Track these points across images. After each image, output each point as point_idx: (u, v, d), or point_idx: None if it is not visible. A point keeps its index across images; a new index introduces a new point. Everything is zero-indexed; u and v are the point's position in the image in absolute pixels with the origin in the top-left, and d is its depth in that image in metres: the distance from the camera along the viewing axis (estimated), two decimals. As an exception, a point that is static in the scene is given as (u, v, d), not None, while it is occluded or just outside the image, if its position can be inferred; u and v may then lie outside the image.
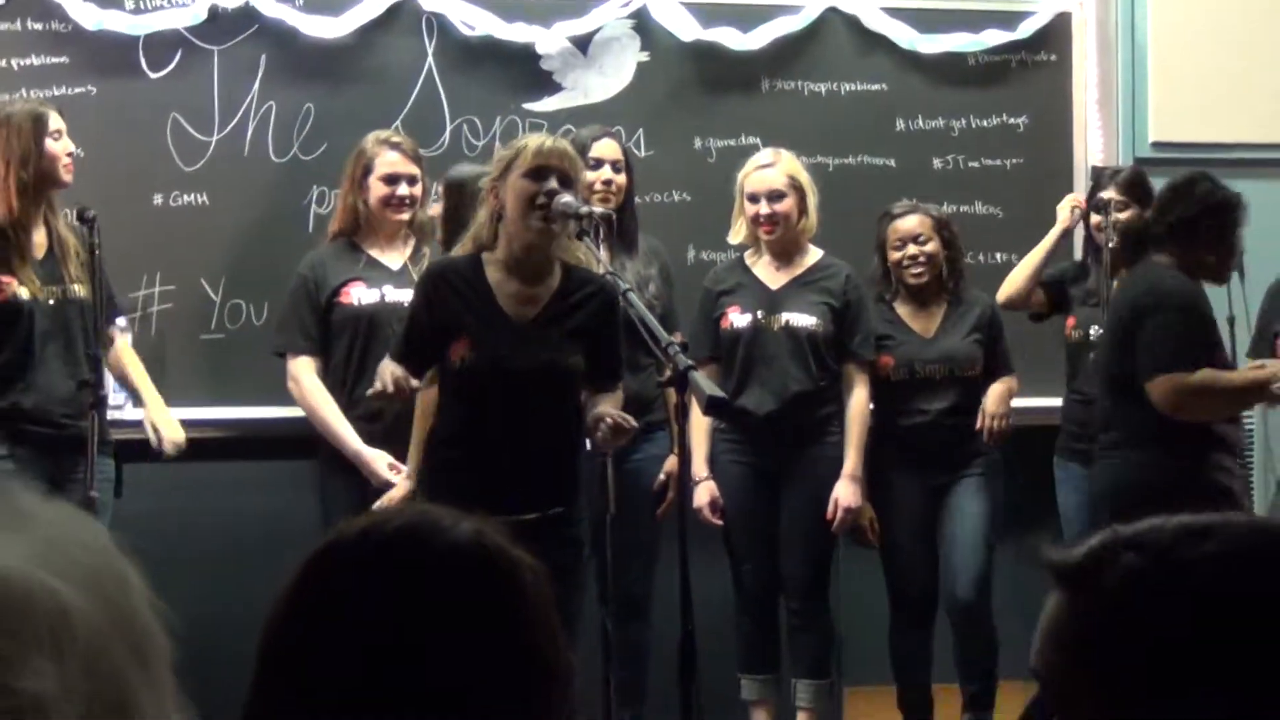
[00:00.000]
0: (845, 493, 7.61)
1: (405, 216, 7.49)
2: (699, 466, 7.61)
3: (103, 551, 0.85)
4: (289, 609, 2.00)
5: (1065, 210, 7.96)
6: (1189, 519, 1.87)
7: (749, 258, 7.87)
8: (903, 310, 7.91)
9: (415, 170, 7.49)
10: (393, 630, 1.92)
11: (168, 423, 7.22)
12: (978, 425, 7.79)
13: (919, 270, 7.83)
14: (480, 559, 1.99)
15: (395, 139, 7.54)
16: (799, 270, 7.78)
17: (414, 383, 6.11)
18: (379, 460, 7.17)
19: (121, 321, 7.50)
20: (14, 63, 7.93)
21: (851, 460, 7.64)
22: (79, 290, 7.04)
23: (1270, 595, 1.79)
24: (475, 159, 7.29)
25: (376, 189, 7.45)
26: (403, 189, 7.45)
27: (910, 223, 7.84)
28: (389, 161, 7.46)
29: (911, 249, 7.82)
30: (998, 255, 8.24)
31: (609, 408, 6.14)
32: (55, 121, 7.06)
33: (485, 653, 1.94)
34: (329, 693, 1.92)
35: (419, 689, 1.91)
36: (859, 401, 7.72)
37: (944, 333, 7.90)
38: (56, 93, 7.68)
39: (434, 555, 1.98)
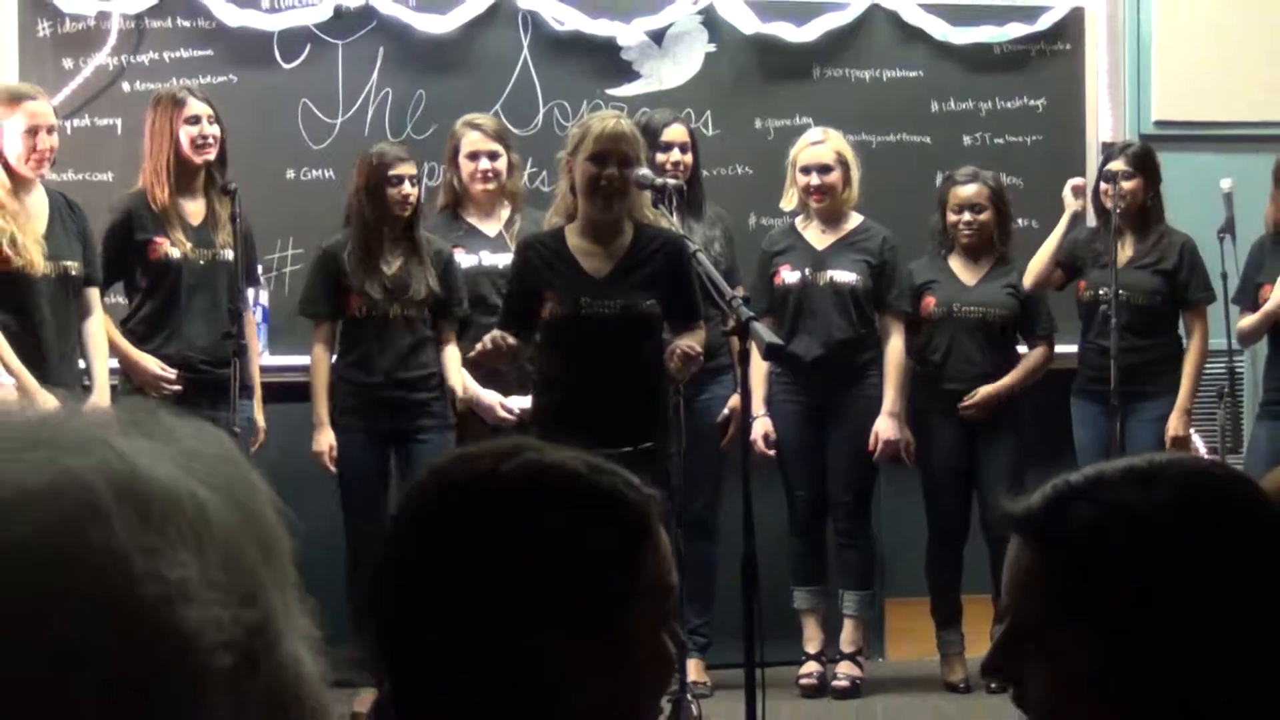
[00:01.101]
0: (885, 426, 7.66)
1: (490, 187, 7.48)
2: (756, 405, 7.56)
3: (235, 462, 0.85)
4: (413, 517, 1.98)
5: (1069, 197, 7.85)
6: (1133, 463, 1.86)
7: (799, 223, 7.89)
8: (954, 262, 7.95)
9: (496, 147, 7.51)
10: (526, 549, 1.88)
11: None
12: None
13: (971, 234, 7.84)
14: (600, 489, 1.93)
15: (477, 120, 7.57)
16: (842, 233, 7.82)
17: (510, 340, 6.10)
18: (493, 399, 7.17)
19: (260, 283, 7.53)
20: (165, 55, 7.94)
21: (890, 398, 7.70)
22: (227, 254, 7.05)
23: (1216, 534, 1.77)
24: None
25: (465, 166, 7.51)
26: (484, 164, 7.47)
27: (969, 190, 7.86)
28: (471, 141, 7.50)
29: (967, 215, 7.84)
30: (1020, 220, 8.15)
31: (684, 340, 6.19)
32: (192, 108, 7.06)
33: (607, 566, 1.91)
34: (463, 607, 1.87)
35: (538, 595, 1.87)
36: (895, 347, 7.76)
37: (984, 283, 7.89)
38: (202, 81, 7.67)
39: (557, 482, 1.93)
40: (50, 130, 6.91)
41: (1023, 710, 1.86)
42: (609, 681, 1.91)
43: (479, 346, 6.20)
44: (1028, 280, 7.81)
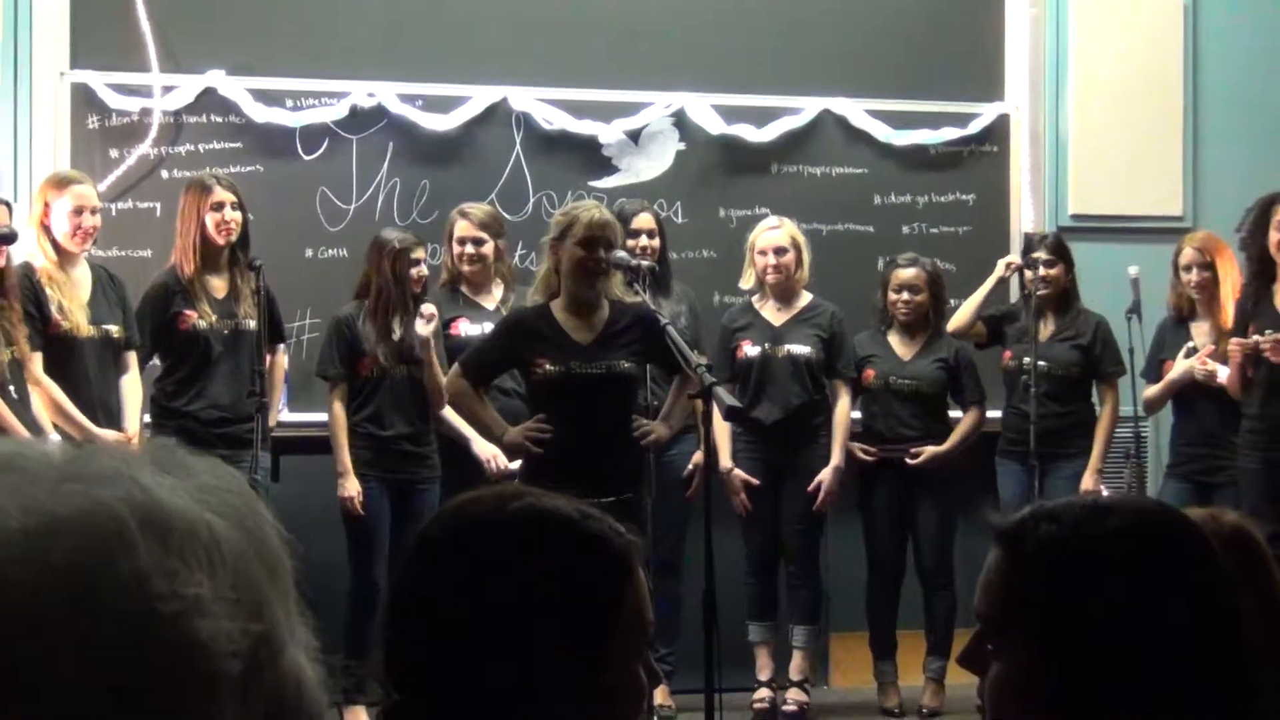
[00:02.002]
0: (828, 478, 7.68)
1: (474, 269, 7.53)
2: (725, 461, 7.67)
3: (243, 494, 0.87)
4: (428, 549, 2.01)
5: (1001, 266, 7.89)
6: (1096, 499, 1.95)
7: (756, 301, 7.92)
8: (892, 337, 7.97)
9: (480, 234, 7.52)
10: (519, 577, 1.93)
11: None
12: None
13: (908, 312, 7.87)
14: (591, 532, 1.98)
15: (467, 210, 7.60)
16: (796, 310, 7.86)
17: (546, 431, 6.27)
18: (494, 452, 7.10)
19: (280, 346, 7.51)
20: (200, 147, 7.93)
21: (835, 453, 7.73)
22: (250, 323, 7.05)
23: (1152, 563, 1.85)
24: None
25: (454, 249, 7.53)
26: (469, 249, 7.50)
27: (909, 273, 7.90)
28: (460, 228, 7.55)
29: (906, 295, 7.86)
30: (953, 301, 8.16)
31: (652, 429, 6.39)
32: (217, 195, 7.10)
33: (594, 598, 1.94)
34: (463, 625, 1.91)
35: (540, 620, 1.91)
36: (842, 409, 7.81)
37: (918, 358, 7.91)
38: (231, 171, 7.64)
39: (554, 525, 1.98)
40: (93, 211, 6.97)
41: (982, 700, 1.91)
42: (591, 704, 1.93)
43: (520, 436, 6.29)
44: (951, 325, 7.91)
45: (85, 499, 0.81)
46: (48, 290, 6.82)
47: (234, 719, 0.81)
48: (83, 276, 7.00)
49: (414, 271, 7.26)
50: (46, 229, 6.91)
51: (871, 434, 7.89)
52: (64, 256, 6.92)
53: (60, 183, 7.02)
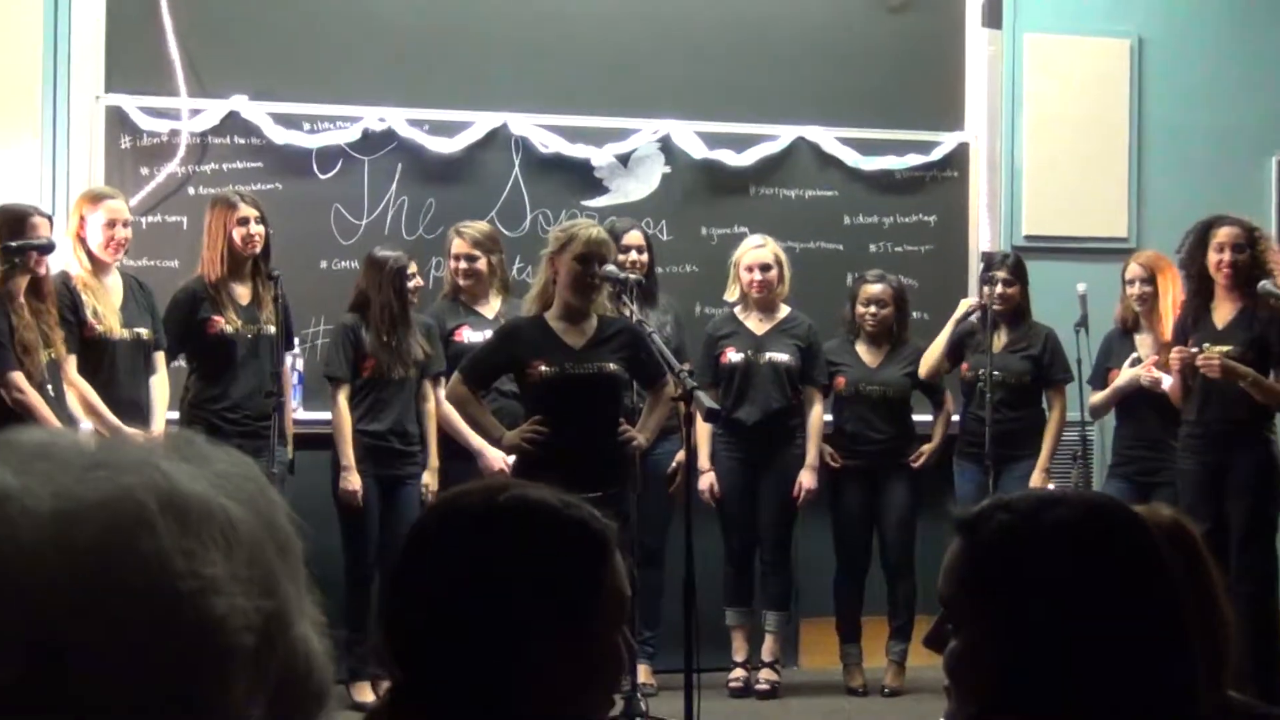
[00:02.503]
0: (807, 478, 7.73)
1: (467, 283, 7.57)
2: (703, 461, 7.70)
3: (256, 480, 0.87)
4: (424, 538, 2.03)
5: (962, 306, 7.87)
6: (1049, 491, 2.00)
7: (739, 312, 7.93)
8: (860, 347, 7.98)
9: (473, 251, 7.56)
10: (507, 561, 1.96)
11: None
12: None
13: (875, 324, 7.89)
14: (572, 519, 2.01)
15: (464, 228, 7.65)
16: (776, 321, 7.89)
17: (543, 430, 6.28)
18: (496, 455, 7.08)
19: (296, 349, 7.52)
20: (224, 166, 7.92)
21: (811, 454, 7.76)
22: (270, 329, 7.07)
23: (1097, 547, 1.87)
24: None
25: (450, 264, 7.58)
26: (462, 264, 7.55)
27: (876, 289, 7.92)
28: (456, 245, 7.59)
29: (873, 309, 7.89)
30: (915, 314, 8.17)
31: (636, 434, 6.45)
32: (242, 211, 7.13)
33: (577, 578, 1.97)
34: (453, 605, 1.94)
35: (529, 600, 1.93)
36: (816, 414, 7.83)
37: (885, 366, 7.93)
38: (253, 188, 7.64)
39: (545, 513, 2.00)
40: (125, 224, 7.00)
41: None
42: (578, 674, 1.96)
43: (518, 438, 6.29)
44: (922, 370, 7.90)
45: (111, 484, 0.81)
46: (83, 296, 6.84)
47: (247, 690, 0.80)
48: (115, 284, 7.02)
49: (411, 285, 7.33)
50: (82, 240, 6.94)
51: (843, 435, 7.90)
52: (98, 266, 6.95)
53: (95, 198, 7.04)
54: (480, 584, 1.93)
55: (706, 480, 7.73)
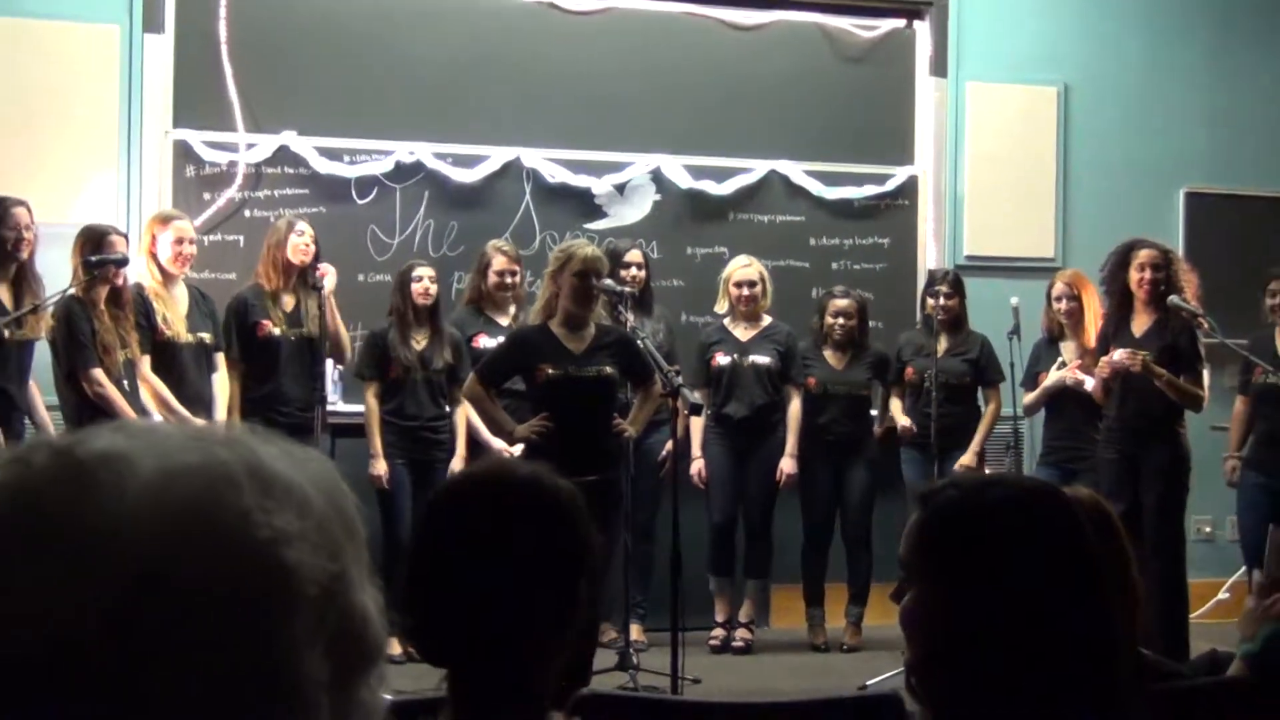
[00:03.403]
0: (788, 464, 7.78)
1: (508, 294, 7.52)
2: (695, 449, 7.78)
3: (330, 472, 0.89)
4: (443, 508, 2.07)
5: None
6: (991, 474, 2.05)
7: (727, 322, 7.95)
8: (826, 351, 7.97)
9: (514, 266, 7.52)
10: (506, 521, 2.01)
11: None
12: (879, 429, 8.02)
13: (842, 333, 7.91)
14: (547, 485, 2.05)
15: (505, 247, 7.58)
16: (759, 329, 7.91)
17: (549, 425, 6.22)
18: (502, 447, 6.95)
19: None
20: (275, 192, 7.93)
21: (791, 444, 7.80)
22: (313, 332, 7.06)
23: (1026, 521, 1.88)
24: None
25: (491, 277, 7.49)
26: (508, 279, 7.50)
27: (843, 303, 7.93)
28: (499, 261, 7.52)
29: (841, 320, 7.91)
30: (871, 322, 8.18)
31: (631, 421, 6.41)
32: (301, 226, 7.12)
33: (553, 536, 2.01)
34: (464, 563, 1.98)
35: (522, 555, 1.98)
36: (795, 409, 7.86)
37: (849, 369, 7.95)
38: (299, 211, 7.66)
39: (525, 484, 2.05)
40: (190, 242, 7.00)
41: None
42: (564, 616, 2.01)
43: (528, 432, 6.25)
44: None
45: (205, 453, 0.82)
46: (154, 304, 6.84)
47: (307, 632, 0.81)
48: (181, 294, 7.02)
49: (415, 288, 7.28)
50: (153, 255, 6.93)
51: (815, 427, 7.88)
52: (167, 278, 6.94)
53: (164, 219, 7.05)
54: (493, 540, 1.97)
55: (696, 465, 7.77)
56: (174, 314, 6.88)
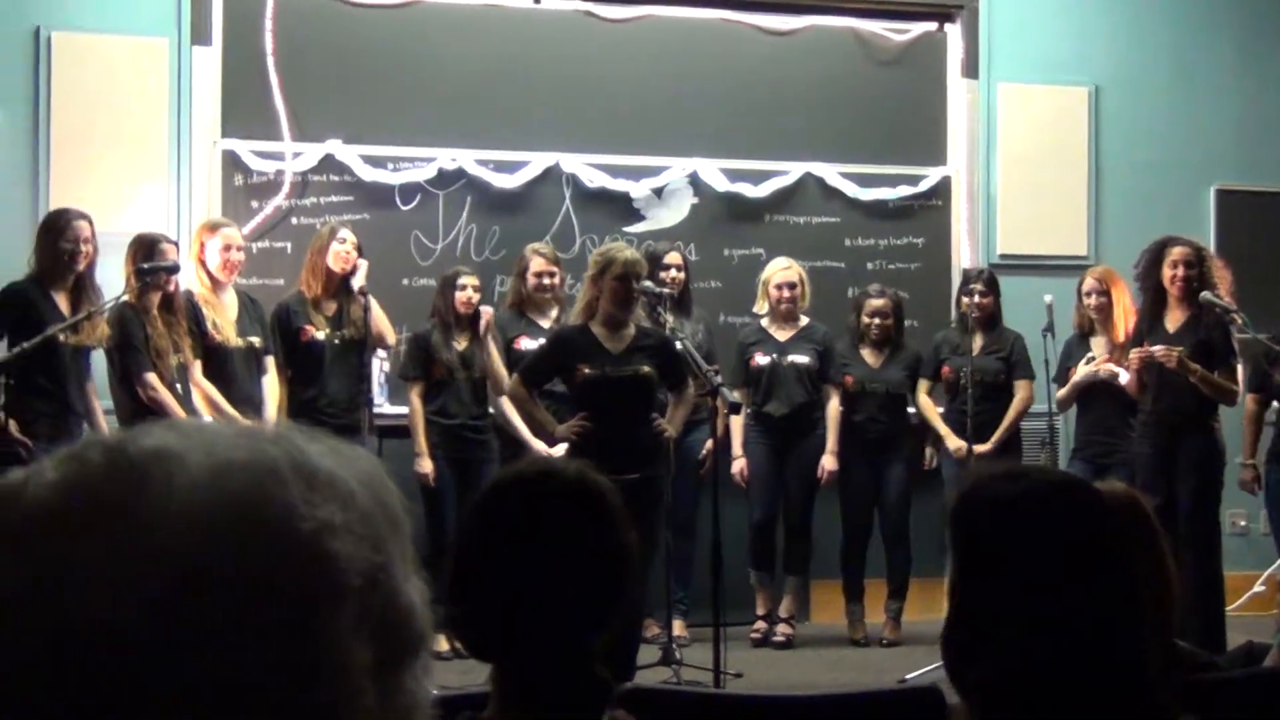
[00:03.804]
0: (829, 461, 7.77)
1: (548, 296, 7.50)
2: (736, 448, 7.75)
3: (375, 469, 0.89)
4: (489, 506, 2.07)
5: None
6: (1016, 465, 2.10)
7: (766, 323, 7.93)
8: (864, 350, 7.96)
9: (552, 268, 7.51)
10: (549, 519, 2.02)
11: None
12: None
13: (877, 333, 7.90)
14: (590, 484, 2.05)
15: (542, 249, 7.58)
16: (797, 329, 7.88)
17: (588, 425, 6.22)
18: (541, 447, 7.04)
19: (381, 353, 7.55)
20: (321, 199, 7.97)
21: (830, 442, 7.78)
22: (356, 335, 7.08)
23: (1047, 513, 1.91)
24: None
25: (530, 280, 7.49)
26: (545, 280, 7.48)
27: (878, 303, 7.91)
28: (538, 264, 7.51)
29: (878, 320, 7.90)
30: (907, 321, 8.16)
31: (667, 424, 6.38)
32: (343, 234, 7.14)
33: (596, 534, 2.02)
34: (510, 560, 1.99)
35: (566, 552, 1.99)
36: (833, 407, 7.83)
37: (886, 367, 7.94)
38: (344, 218, 7.68)
39: (569, 483, 2.05)
40: (238, 249, 7.06)
41: None
42: (608, 614, 2.03)
43: (568, 432, 6.26)
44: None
45: (252, 449, 0.84)
46: (204, 310, 6.88)
47: (353, 622, 0.82)
48: (230, 300, 7.06)
49: (459, 295, 7.25)
50: (202, 263, 6.98)
51: (851, 425, 7.87)
52: (215, 284, 6.99)
53: (213, 227, 7.10)
54: (537, 533, 1.99)
55: (738, 464, 7.74)
56: (223, 319, 6.92)
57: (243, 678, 0.78)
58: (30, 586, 0.78)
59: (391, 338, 7.39)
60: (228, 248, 6.98)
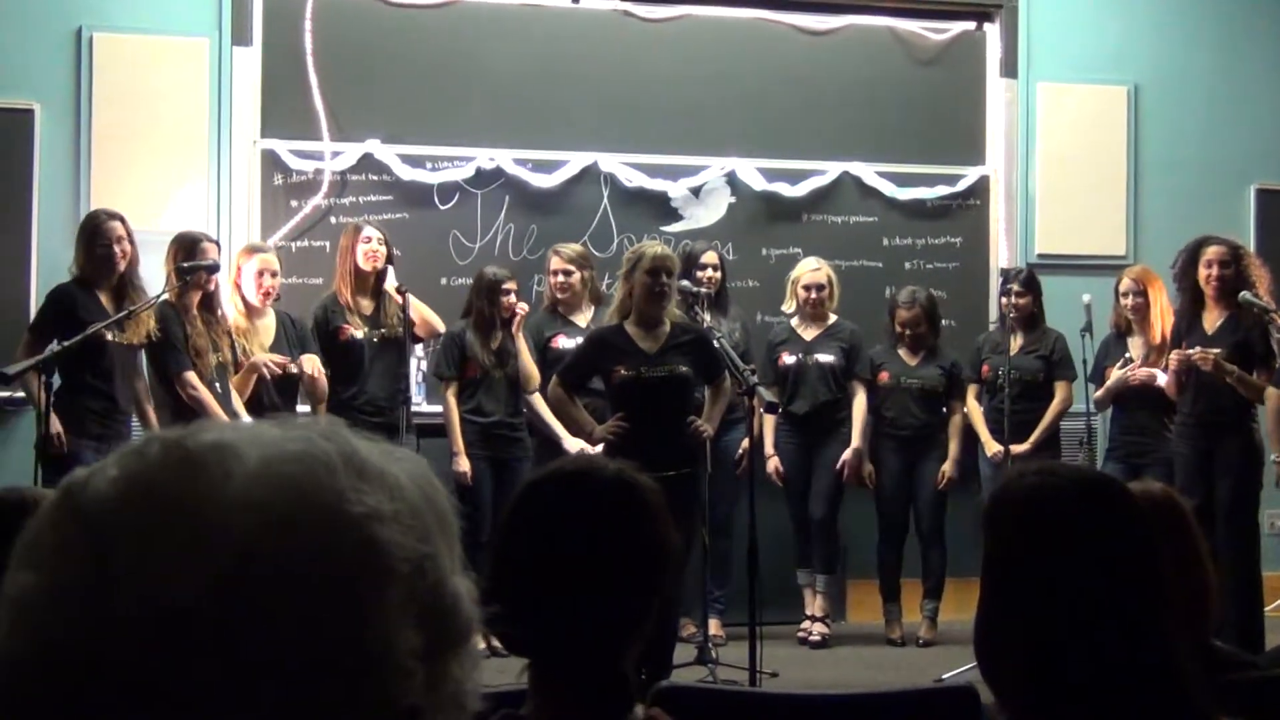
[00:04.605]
0: (850, 457, 7.74)
1: (562, 295, 7.53)
2: (769, 448, 7.76)
3: (423, 467, 0.93)
4: (529, 503, 2.07)
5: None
6: (1048, 463, 2.11)
7: (794, 323, 7.93)
8: (900, 350, 7.95)
9: (568, 267, 7.49)
10: (593, 515, 2.01)
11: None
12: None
13: (912, 338, 7.90)
14: (631, 482, 2.03)
15: (560, 249, 7.60)
16: (824, 328, 7.87)
17: (624, 425, 6.23)
18: (576, 445, 6.98)
19: (420, 351, 7.57)
20: (360, 199, 8.01)
21: (856, 438, 7.76)
22: (395, 333, 7.09)
23: (1073, 513, 1.92)
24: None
25: (550, 279, 7.55)
26: (560, 279, 7.50)
27: (906, 314, 7.92)
28: (554, 263, 7.54)
29: (908, 331, 7.90)
30: (945, 321, 8.15)
31: (703, 423, 6.34)
32: (365, 233, 7.17)
33: (635, 532, 2.00)
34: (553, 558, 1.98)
35: (605, 550, 1.98)
36: (860, 404, 7.82)
37: (922, 365, 7.92)
38: (383, 217, 7.73)
39: (609, 482, 2.04)
40: (274, 274, 7.01)
41: None
42: (643, 614, 2.01)
43: (605, 432, 6.28)
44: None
45: (305, 442, 0.88)
46: (239, 341, 6.81)
47: (400, 607, 0.85)
48: (268, 324, 7.00)
49: (504, 300, 7.28)
50: (238, 287, 6.96)
51: (884, 420, 7.88)
52: (250, 310, 6.96)
53: (250, 250, 7.12)
54: (571, 534, 1.99)
55: (773, 464, 7.75)
56: (254, 345, 6.84)
57: (293, 655, 0.81)
58: (98, 568, 0.82)
59: (441, 326, 7.39)
60: (262, 273, 6.93)
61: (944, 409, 7.98)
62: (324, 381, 6.97)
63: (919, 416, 7.88)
